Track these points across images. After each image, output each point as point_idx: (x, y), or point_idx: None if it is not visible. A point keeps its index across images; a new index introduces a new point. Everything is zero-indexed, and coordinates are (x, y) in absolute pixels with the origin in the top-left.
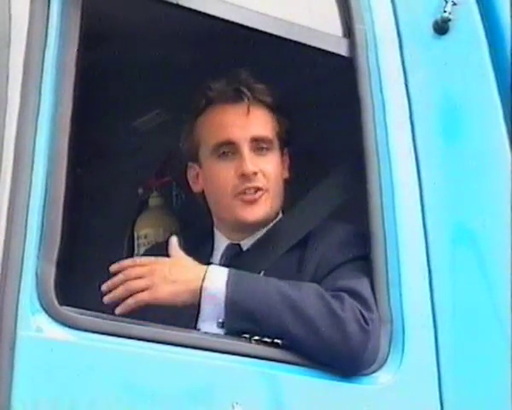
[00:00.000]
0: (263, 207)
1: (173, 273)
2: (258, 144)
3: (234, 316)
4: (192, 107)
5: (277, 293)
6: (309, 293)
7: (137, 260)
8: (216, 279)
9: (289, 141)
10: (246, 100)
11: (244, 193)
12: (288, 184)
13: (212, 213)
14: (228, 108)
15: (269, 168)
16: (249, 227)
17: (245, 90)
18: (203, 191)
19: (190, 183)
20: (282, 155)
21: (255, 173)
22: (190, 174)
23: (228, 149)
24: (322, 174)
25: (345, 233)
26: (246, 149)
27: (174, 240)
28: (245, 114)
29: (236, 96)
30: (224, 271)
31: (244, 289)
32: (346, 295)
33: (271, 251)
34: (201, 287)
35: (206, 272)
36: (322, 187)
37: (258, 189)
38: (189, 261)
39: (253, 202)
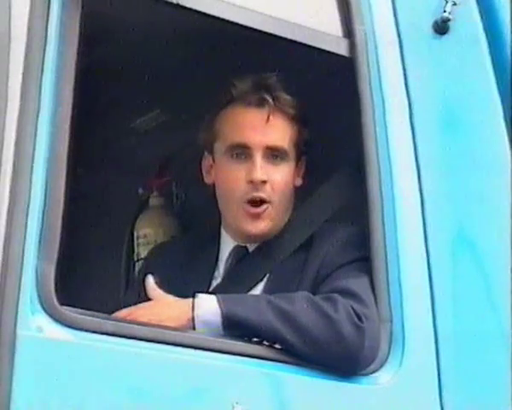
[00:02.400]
0: (265, 222)
1: (158, 314)
2: (273, 153)
3: (232, 333)
4: (216, 100)
5: (268, 305)
6: (299, 301)
7: (118, 313)
8: (205, 305)
9: (308, 150)
10: (267, 107)
11: (250, 203)
12: (299, 190)
13: (221, 211)
14: (249, 112)
15: (279, 178)
16: (252, 239)
17: (268, 98)
18: (214, 185)
19: (203, 173)
20: (298, 163)
21: (264, 182)
22: (204, 164)
23: (242, 151)
24: (323, 175)
25: (346, 235)
26: (259, 156)
27: (150, 280)
28: (264, 121)
29: (259, 102)
30: (211, 296)
31: (237, 306)
32: (338, 296)
33: (277, 253)
34: (193, 317)
35: (193, 302)
36: (323, 188)
37: (262, 201)
38: (169, 298)
39: (256, 217)
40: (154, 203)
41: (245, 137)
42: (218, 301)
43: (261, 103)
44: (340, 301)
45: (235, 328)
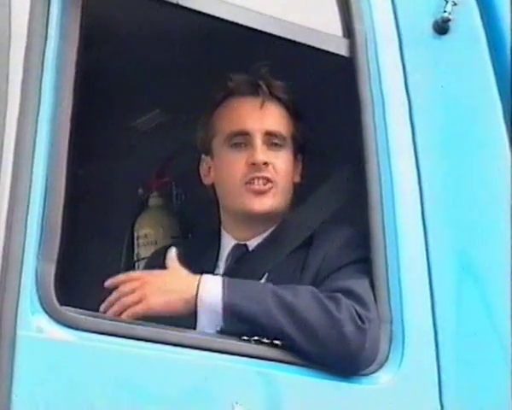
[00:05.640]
0: (270, 200)
1: (167, 284)
2: (272, 139)
3: (232, 321)
4: (211, 98)
5: (272, 297)
6: (304, 295)
7: (131, 274)
8: (210, 288)
9: (304, 146)
10: (261, 94)
11: (253, 183)
12: (297, 188)
13: (221, 208)
14: (245, 100)
15: (279, 163)
16: (255, 218)
17: (262, 85)
18: (213, 185)
19: (202, 176)
20: (296, 158)
21: (266, 164)
22: (202, 167)
23: (241, 139)
24: (323, 174)
25: (347, 236)
26: (259, 141)
27: (173, 252)
28: (259, 107)
29: (253, 90)
30: (218, 278)
31: (240, 294)
32: (341, 296)
33: (277, 252)
34: (196, 296)
35: (199, 281)
36: (324, 187)
37: (267, 180)
38: (183, 272)
39: (261, 193)
40: (154, 203)
41: (243, 124)
42: (223, 287)
43: (255, 91)
44: (344, 301)
45: (236, 317)
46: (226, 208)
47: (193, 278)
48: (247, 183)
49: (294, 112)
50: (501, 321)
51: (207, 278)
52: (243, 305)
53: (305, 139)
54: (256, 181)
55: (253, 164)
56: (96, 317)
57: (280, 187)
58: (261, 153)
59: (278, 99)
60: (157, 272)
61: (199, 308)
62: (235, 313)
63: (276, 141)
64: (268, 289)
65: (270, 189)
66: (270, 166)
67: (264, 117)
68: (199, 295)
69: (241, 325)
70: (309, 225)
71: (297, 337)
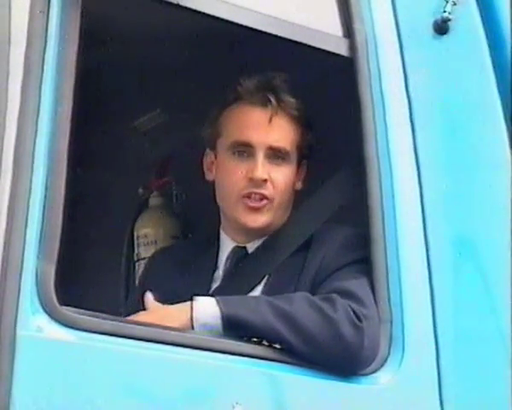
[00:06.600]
0: (264, 216)
1: (156, 319)
2: (274, 153)
3: (233, 333)
4: (222, 97)
5: (267, 306)
6: (298, 301)
7: None
8: (204, 307)
9: (310, 154)
10: (270, 108)
11: (249, 197)
12: (299, 194)
13: (220, 210)
14: (253, 111)
15: (279, 178)
16: (250, 232)
17: (272, 98)
18: (214, 182)
19: (205, 169)
20: (299, 166)
21: (265, 181)
22: (206, 161)
23: (244, 149)
24: (323, 175)
25: (346, 236)
26: (261, 155)
27: (149, 295)
28: (267, 120)
29: (263, 102)
30: (210, 298)
31: (236, 305)
32: (336, 296)
33: (276, 254)
34: (192, 319)
35: (191, 305)
36: (323, 188)
37: (263, 196)
38: (166, 307)
39: (255, 210)
40: (154, 203)
41: (248, 136)
42: (218, 302)
43: (265, 103)
44: (339, 301)
45: (235, 329)
46: (223, 212)
47: (183, 306)
48: (243, 196)
49: (303, 122)
50: (502, 321)
51: (199, 301)
52: (242, 316)
53: (312, 148)
54: (253, 196)
55: (252, 179)
56: (96, 317)
57: (276, 202)
58: (261, 169)
59: (287, 113)
60: (142, 314)
61: (196, 330)
62: (235, 324)
63: (279, 155)
64: (261, 299)
65: (266, 205)
66: (268, 183)
67: (269, 132)
68: (194, 318)
69: (239, 334)
70: (309, 227)
71: (296, 342)
